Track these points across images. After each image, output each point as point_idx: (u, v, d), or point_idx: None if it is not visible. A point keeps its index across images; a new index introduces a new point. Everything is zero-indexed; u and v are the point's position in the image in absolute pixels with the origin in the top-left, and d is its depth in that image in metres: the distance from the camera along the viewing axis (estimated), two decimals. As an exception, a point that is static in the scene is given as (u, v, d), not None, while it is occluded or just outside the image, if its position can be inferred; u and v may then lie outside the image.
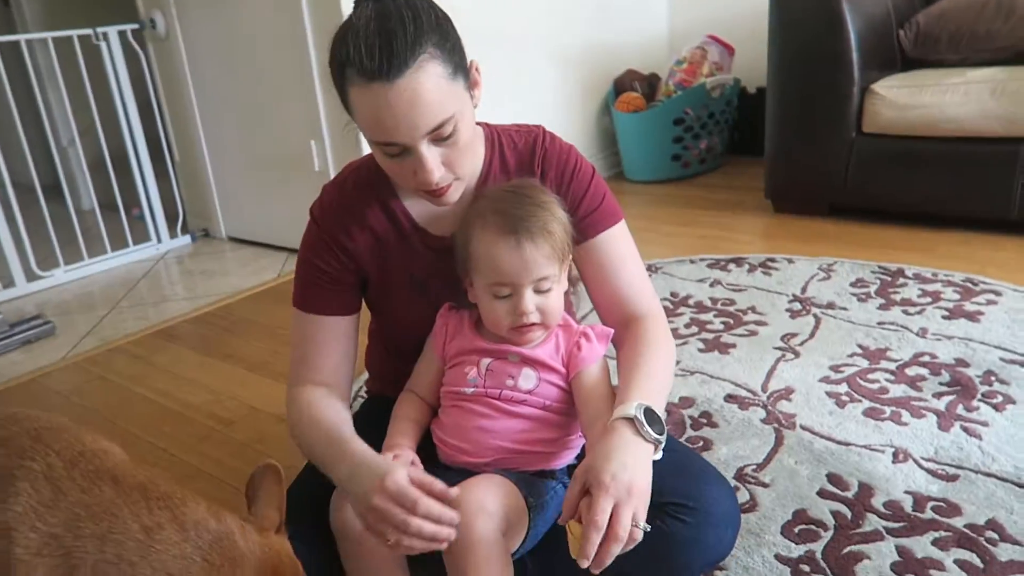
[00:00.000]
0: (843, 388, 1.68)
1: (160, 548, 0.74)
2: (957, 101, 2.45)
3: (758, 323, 2.03)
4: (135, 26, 3.20)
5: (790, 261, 2.42)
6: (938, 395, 1.62)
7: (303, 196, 2.86)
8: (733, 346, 1.92)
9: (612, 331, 1.17)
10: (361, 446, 1.01)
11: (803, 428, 1.55)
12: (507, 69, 3.12)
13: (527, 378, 1.10)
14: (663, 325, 1.19)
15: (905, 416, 1.56)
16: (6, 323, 2.48)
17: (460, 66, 1.00)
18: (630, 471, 0.90)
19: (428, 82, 0.95)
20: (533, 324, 1.08)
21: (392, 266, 1.17)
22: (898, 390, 1.66)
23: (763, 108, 2.88)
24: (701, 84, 3.44)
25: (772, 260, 2.44)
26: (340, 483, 1.00)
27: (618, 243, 1.22)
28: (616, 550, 0.88)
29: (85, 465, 0.79)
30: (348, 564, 1.05)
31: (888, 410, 1.58)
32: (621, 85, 3.68)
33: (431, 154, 1.00)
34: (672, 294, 2.24)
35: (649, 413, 0.97)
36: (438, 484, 0.93)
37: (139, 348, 2.36)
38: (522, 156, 1.20)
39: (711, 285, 2.30)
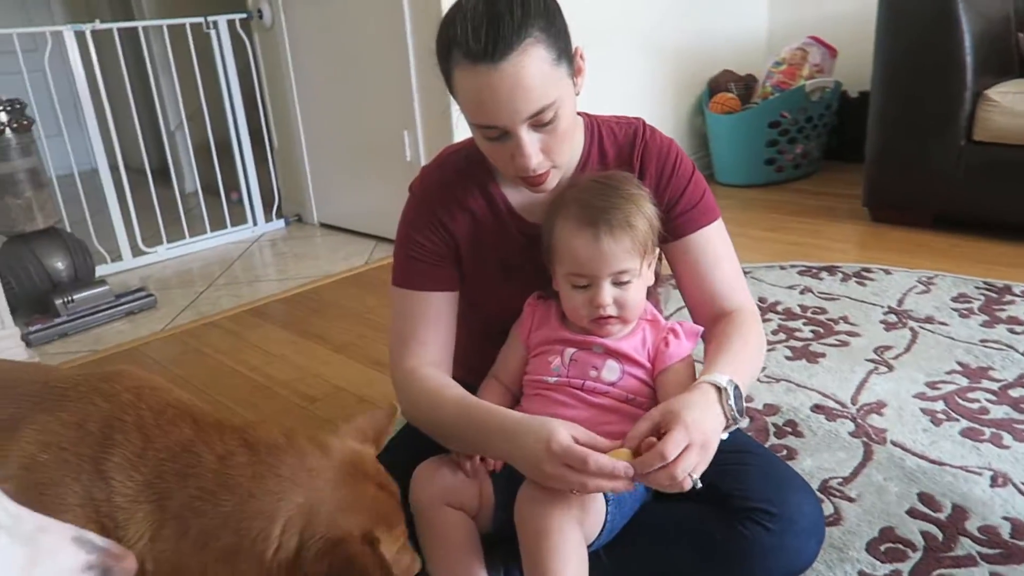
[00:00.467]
0: (939, 406, 1.61)
1: (234, 472, 0.78)
2: (1081, 110, 2.30)
3: (850, 334, 1.96)
4: (243, 15, 3.33)
5: (887, 272, 2.32)
6: (1045, 419, 1.52)
7: (393, 185, 2.93)
8: (823, 356, 1.86)
9: (701, 329, 1.15)
10: (510, 414, 1.01)
11: (894, 444, 1.48)
12: (598, 61, 3.09)
13: (611, 370, 1.09)
14: (756, 321, 1.17)
15: (1007, 439, 1.47)
16: (112, 293, 2.63)
17: (565, 52, 1.00)
18: (709, 432, 0.91)
19: (532, 66, 0.95)
20: (610, 317, 1.07)
21: (486, 249, 1.18)
22: (1000, 411, 1.57)
23: (865, 113, 2.77)
24: (800, 87, 3.33)
25: (868, 270, 2.35)
26: (500, 455, 1.01)
27: (714, 241, 1.20)
28: (664, 483, 0.89)
29: (171, 413, 0.83)
30: (424, 541, 1.07)
31: (988, 431, 1.50)
32: (716, 85, 3.61)
33: (530, 139, 1.01)
34: (760, 300, 2.19)
35: (737, 390, 0.97)
36: (601, 440, 0.94)
37: (232, 324, 2.46)
38: (621, 148, 1.19)
39: (801, 292, 2.23)
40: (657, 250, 1.13)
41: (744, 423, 0.98)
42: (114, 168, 3.06)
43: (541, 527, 0.96)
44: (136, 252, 3.18)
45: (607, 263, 1.04)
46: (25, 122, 2.45)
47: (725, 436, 0.97)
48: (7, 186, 2.45)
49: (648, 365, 1.11)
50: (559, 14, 1.01)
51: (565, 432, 0.93)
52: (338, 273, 2.90)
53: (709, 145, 3.62)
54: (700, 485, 0.91)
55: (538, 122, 1.00)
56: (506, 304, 1.19)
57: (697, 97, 3.68)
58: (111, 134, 3.00)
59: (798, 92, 3.33)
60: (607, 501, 1.04)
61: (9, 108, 2.40)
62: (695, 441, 0.90)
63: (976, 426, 1.52)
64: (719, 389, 0.97)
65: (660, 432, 0.92)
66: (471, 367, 1.23)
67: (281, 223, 3.62)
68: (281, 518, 0.77)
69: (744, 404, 0.99)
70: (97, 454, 0.78)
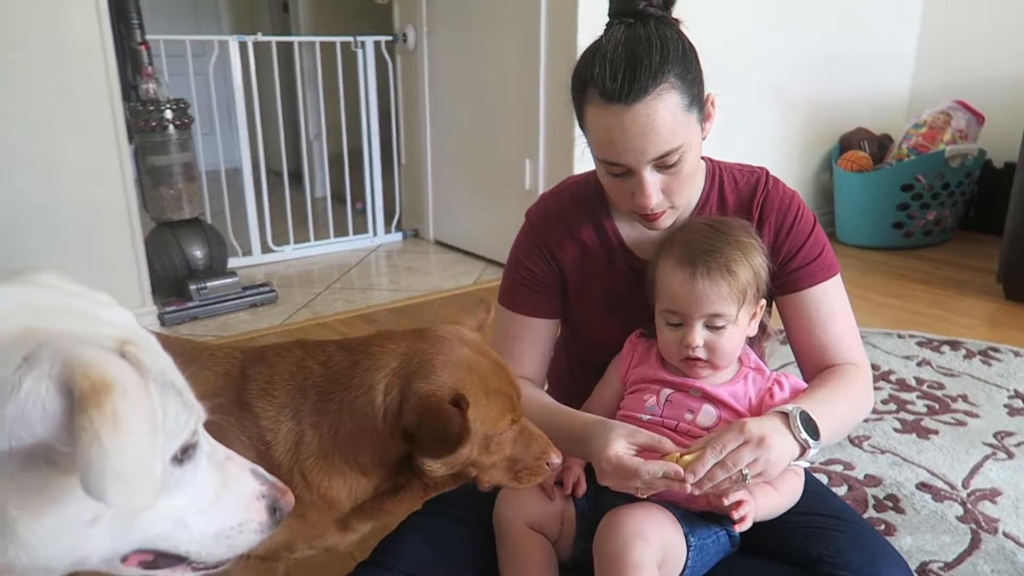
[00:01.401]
0: (1062, 503, 1.49)
1: (336, 368, 0.89)
2: None
3: (968, 413, 1.85)
4: (389, 38, 3.52)
5: (1016, 354, 2.18)
6: None
7: (510, 211, 3.01)
8: (935, 432, 1.76)
9: (806, 385, 1.13)
10: (583, 417, 1.09)
11: (1006, 536, 1.39)
12: (728, 107, 3.06)
13: (707, 415, 1.09)
14: (863, 377, 1.15)
15: None
16: (240, 285, 2.81)
17: (697, 98, 1.03)
18: (768, 432, 0.93)
19: (664, 110, 0.98)
20: (699, 359, 1.07)
21: (593, 281, 1.21)
22: None
23: (1008, 184, 2.63)
24: (940, 151, 3.19)
25: (995, 349, 2.21)
26: (579, 456, 1.07)
27: (831, 296, 1.19)
28: (719, 478, 0.92)
29: (286, 346, 0.95)
30: (504, 563, 1.09)
31: (1116, 538, 1.38)
32: (848, 142, 3.51)
33: (652, 179, 1.03)
34: (873, 366, 2.09)
35: (805, 416, 0.98)
36: (667, 443, 0.98)
37: (343, 326, 2.58)
38: (742, 195, 1.20)
39: (919, 364, 2.13)
40: (763, 302, 1.12)
41: (815, 450, 0.99)
42: (255, 168, 3.28)
43: (619, 562, 0.97)
44: (265, 249, 3.38)
45: (700, 304, 1.05)
46: (186, 120, 2.67)
47: (804, 463, 1.00)
48: (163, 177, 2.67)
49: (745, 412, 1.09)
50: (696, 60, 1.03)
51: (622, 443, 0.97)
52: (447, 289, 2.99)
53: (835, 202, 3.51)
54: (749, 478, 0.94)
55: (662, 164, 1.02)
56: (608, 335, 1.21)
57: (827, 152, 3.59)
58: (257, 137, 3.22)
59: (937, 156, 3.19)
60: (688, 548, 1.03)
61: (174, 107, 2.63)
62: (750, 439, 0.92)
63: (1102, 531, 1.41)
64: (784, 415, 0.99)
65: None
66: (565, 394, 1.25)
67: (399, 236, 3.77)
68: (380, 385, 0.87)
69: (817, 435, 0.98)
70: (240, 394, 0.89)
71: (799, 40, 3.31)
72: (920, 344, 2.25)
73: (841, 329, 1.18)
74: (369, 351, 0.90)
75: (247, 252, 3.33)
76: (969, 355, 2.18)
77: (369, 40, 3.44)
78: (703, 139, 1.09)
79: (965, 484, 1.56)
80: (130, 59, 2.63)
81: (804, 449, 0.97)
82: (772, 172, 1.23)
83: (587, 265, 1.20)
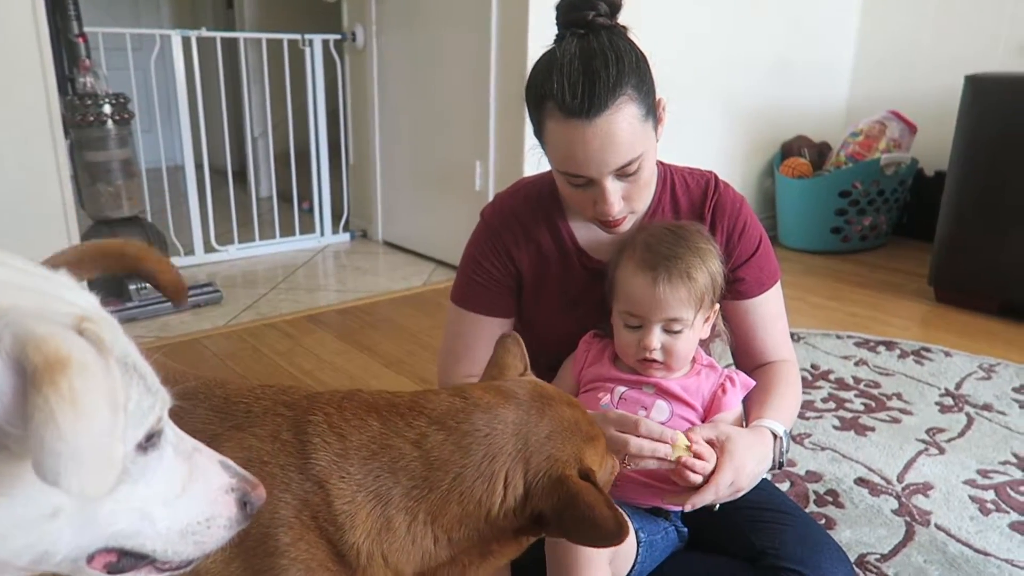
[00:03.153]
0: (990, 495, 1.56)
1: (436, 452, 0.77)
2: None
3: (903, 411, 1.92)
4: (338, 36, 3.48)
5: (947, 354, 2.27)
6: (1101, 524, 1.47)
7: (460, 213, 3.01)
8: (872, 429, 1.83)
9: (754, 383, 1.16)
10: None
11: (938, 528, 1.45)
12: (675, 113, 3.13)
13: (660, 410, 1.11)
14: (797, 371, 1.24)
15: (1059, 539, 1.43)
16: (182, 286, 2.74)
17: (652, 107, 1.05)
18: (753, 470, 1.00)
19: (623, 122, 1.00)
20: (655, 361, 1.10)
21: (549, 281, 1.22)
22: (1054, 510, 1.52)
23: (939, 193, 2.74)
24: (875, 159, 3.31)
25: (927, 350, 2.30)
26: None
27: (772, 303, 1.25)
28: (701, 503, 0.97)
29: (349, 407, 0.82)
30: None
31: (1039, 528, 1.46)
32: (789, 149, 3.61)
33: (614, 187, 1.06)
34: (812, 366, 2.16)
35: (788, 438, 1.07)
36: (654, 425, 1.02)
37: (290, 327, 2.54)
38: (694, 198, 1.22)
39: (856, 364, 2.20)
40: (717, 306, 1.15)
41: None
42: (198, 167, 3.21)
43: (569, 560, 0.98)
44: (208, 248, 3.31)
45: (660, 308, 1.07)
46: (126, 115, 2.60)
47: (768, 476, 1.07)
48: (101, 173, 2.59)
49: (699, 408, 1.12)
50: (648, 71, 1.05)
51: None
52: (396, 291, 2.97)
53: (777, 207, 3.61)
54: (717, 507, 1.02)
55: (623, 173, 1.05)
56: (563, 336, 1.22)
57: (770, 159, 3.69)
58: (200, 134, 3.15)
59: (873, 164, 3.31)
60: (638, 544, 1.05)
61: (113, 101, 2.55)
62: (738, 485, 0.98)
63: (1026, 521, 1.48)
64: (776, 437, 1.06)
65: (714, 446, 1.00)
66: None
67: (347, 236, 3.73)
68: (501, 474, 0.78)
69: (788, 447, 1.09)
70: (300, 461, 0.77)
71: (745, 50, 3.39)
72: (857, 345, 2.33)
73: (779, 331, 1.25)
74: (474, 431, 0.79)
75: (189, 252, 3.25)
76: (903, 355, 2.26)
77: (317, 38, 3.40)
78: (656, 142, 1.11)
79: (900, 479, 1.62)
80: (66, 51, 2.54)
81: (774, 468, 1.07)
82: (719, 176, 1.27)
83: (542, 265, 1.22)
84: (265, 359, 2.28)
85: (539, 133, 1.09)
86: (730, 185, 1.26)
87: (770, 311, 1.24)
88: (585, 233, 1.21)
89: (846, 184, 3.33)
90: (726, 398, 1.11)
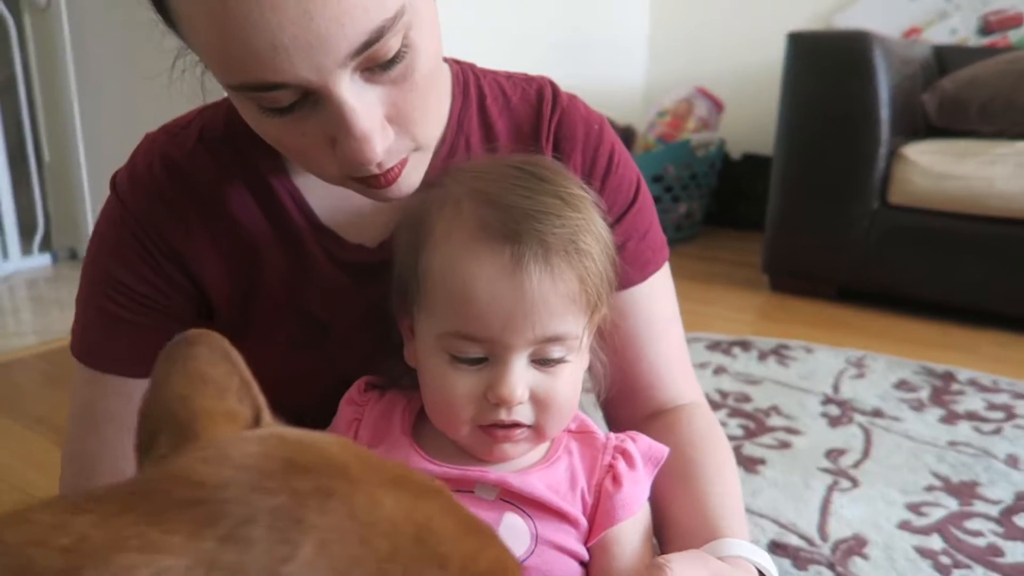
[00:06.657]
0: (937, 543, 1.15)
1: None
2: (1007, 174, 2.04)
3: (788, 430, 1.50)
4: (8, -11, 2.58)
5: (808, 350, 1.91)
6: (1082, 565, 1.10)
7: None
8: (762, 462, 1.37)
9: (666, 450, 0.64)
10: None
11: (905, 612, 0.99)
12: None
13: (513, 533, 0.56)
14: (715, 421, 0.76)
15: (1049, 600, 1.02)
16: None
17: None
18: None
19: None
20: (518, 424, 0.56)
21: (267, 292, 0.63)
22: (1017, 551, 1.13)
23: (747, 178, 2.46)
24: (686, 140, 3.00)
25: (785, 347, 1.93)
26: None
27: (661, 297, 0.78)
28: None
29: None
30: None
31: (1017, 586, 1.05)
32: (592, 133, 3.23)
33: (361, 97, 0.50)
34: (665, 380, 1.70)
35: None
36: None
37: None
38: (519, 118, 0.72)
39: (715, 373, 1.77)
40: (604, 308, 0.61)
41: None
42: None
43: None
44: None
45: (531, 321, 0.54)
46: None
47: None
48: None
49: (578, 518, 0.59)
50: None
51: None
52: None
53: (584, 199, 3.21)
54: None
55: (370, 61, 0.50)
56: (300, 391, 0.61)
57: (572, 145, 3.28)
58: None
59: (684, 146, 2.99)
60: None
61: None
62: None
63: (993, 574, 1.07)
64: (760, 572, 0.59)
65: None
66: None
67: (46, 258, 2.80)
68: None
69: None
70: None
71: (534, 29, 2.94)
72: (709, 348, 1.91)
73: (671, 347, 0.78)
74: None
75: None
76: (763, 356, 1.87)
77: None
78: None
79: (823, 534, 1.16)
80: None
81: None
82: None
83: (250, 264, 0.62)
84: None
85: (173, 24, 0.57)
86: (578, 97, 0.74)
87: (660, 311, 0.77)
88: (323, 194, 0.62)
89: (658, 168, 2.98)
90: (621, 494, 0.59)
